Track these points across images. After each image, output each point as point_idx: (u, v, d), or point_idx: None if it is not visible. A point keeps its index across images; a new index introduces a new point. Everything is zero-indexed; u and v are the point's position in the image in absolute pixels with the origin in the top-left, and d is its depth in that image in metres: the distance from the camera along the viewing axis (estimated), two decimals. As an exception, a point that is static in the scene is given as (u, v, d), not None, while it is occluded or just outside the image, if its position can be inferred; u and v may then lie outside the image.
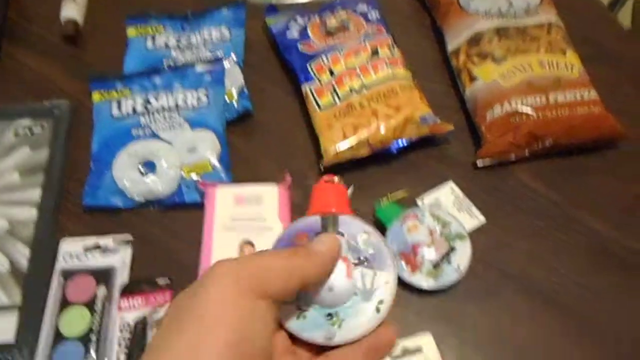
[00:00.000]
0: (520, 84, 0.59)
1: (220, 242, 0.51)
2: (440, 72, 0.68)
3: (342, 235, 0.35)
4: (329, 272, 0.32)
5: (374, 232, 0.35)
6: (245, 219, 0.52)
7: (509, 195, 0.59)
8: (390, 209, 0.55)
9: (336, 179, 0.41)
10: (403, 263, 0.52)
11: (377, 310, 0.32)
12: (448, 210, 0.57)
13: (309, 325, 0.32)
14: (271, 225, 0.52)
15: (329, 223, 0.35)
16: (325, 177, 0.41)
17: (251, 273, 0.29)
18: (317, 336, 0.32)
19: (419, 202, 0.57)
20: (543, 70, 0.60)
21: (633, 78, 0.67)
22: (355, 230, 0.35)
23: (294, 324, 0.32)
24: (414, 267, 0.52)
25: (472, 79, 0.62)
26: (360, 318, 0.32)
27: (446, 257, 0.53)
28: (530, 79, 0.59)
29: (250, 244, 0.51)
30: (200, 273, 0.51)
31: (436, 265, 0.52)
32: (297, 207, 0.57)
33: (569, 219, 0.57)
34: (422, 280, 0.52)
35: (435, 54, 0.70)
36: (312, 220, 0.35)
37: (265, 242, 0.51)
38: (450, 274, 0.52)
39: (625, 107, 0.64)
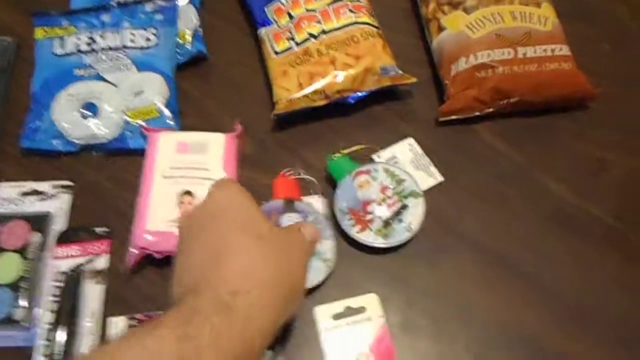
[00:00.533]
0: (488, 35, 0.55)
1: (159, 191, 0.49)
2: (409, 23, 0.65)
3: (299, 213, 0.49)
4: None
5: (318, 212, 0.50)
6: (187, 167, 0.49)
7: (470, 154, 0.56)
8: (343, 163, 0.53)
9: (291, 173, 0.53)
10: (352, 220, 0.50)
11: (327, 266, 0.48)
12: (405, 167, 0.54)
13: None
14: (214, 175, 0.49)
15: (288, 206, 0.49)
16: (283, 172, 0.53)
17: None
18: None
19: (375, 158, 0.55)
20: (514, 22, 0.56)
21: (611, 37, 0.64)
22: (305, 211, 0.49)
23: None
24: (364, 224, 0.50)
25: (440, 29, 0.58)
26: (317, 271, 0.48)
27: (397, 215, 0.50)
28: (499, 30, 0.56)
29: (190, 193, 0.48)
30: (137, 221, 0.49)
31: (386, 224, 0.50)
32: (248, 158, 0.55)
33: (530, 181, 0.55)
34: (371, 238, 0.49)
35: (405, 3, 0.66)
36: (277, 203, 0.50)
37: (206, 192, 0.48)
38: (401, 232, 0.50)
39: (600, 67, 0.60)
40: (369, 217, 0.50)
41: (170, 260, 0.48)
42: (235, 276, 0.34)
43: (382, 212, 0.50)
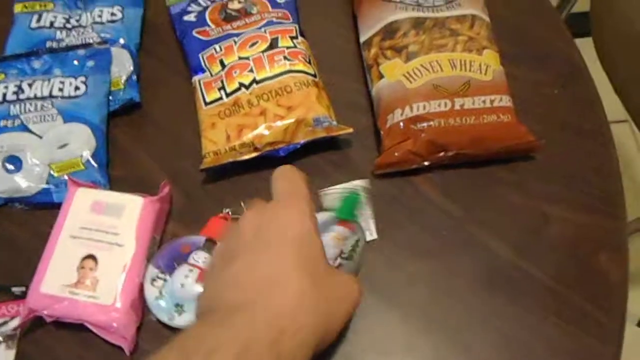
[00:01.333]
0: (424, 85, 0.53)
1: (63, 251, 0.46)
2: (355, 67, 0.62)
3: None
4: None
5: None
6: (97, 229, 0.47)
7: (407, 208, 0.54)
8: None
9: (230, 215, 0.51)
10: None
11: None
12: (338, 222, 0.52)
13: None
14: (123, 242, 0.46)
15: (209, 244, 0.49)
16: (222, 215, 0.52)
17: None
18: None
19: (307, 213, 0.53)
20: (452, 71, 0.54)
21: (562, 81, 0.61)
22: None
23: None
24: None
25: (380, 76, 0.56)
26: None
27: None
28: (437, 80, 0.53)
29: (93, 258, 0.46)
30: (34, 280, 0.47)
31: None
32: (178, 214, 0.53)
33: (468, 237, 0.52)
34: None
35: (352, 46, 0.64)
36: (199, 238, 0.49)
37: (112, 259, 0.46)
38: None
39: (549, 113, 0.58)
40: None
41: (80, 325, 0.46)
42: (285, 312, 0.34)
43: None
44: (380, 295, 0.50)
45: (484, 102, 0.53)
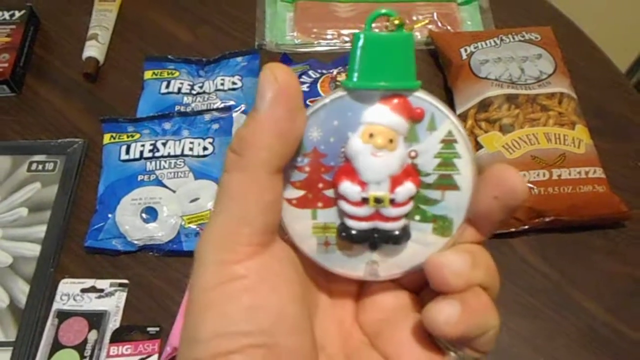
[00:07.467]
0: (523, 156, 0.58)
1: None
2: (448, 133, 0.68)
3: None
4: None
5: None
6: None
7: (505, 268, 0.58)
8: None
9: None
10: (301, 174, 0.25)
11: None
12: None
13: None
14: None
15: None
16: None
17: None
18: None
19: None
20: (548, 144, 0.59)
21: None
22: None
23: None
24: (318, 198, 0.25)
25: (478, 146, 0.62)
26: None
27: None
28: (534, 152, 0.59)
29: None
30: (177, 319, 0.52)
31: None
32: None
33: (564, 298, 0.56)
34: (313, 245, 0.26)
35: (445, 115, 0.70)
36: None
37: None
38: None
39: (635, 185, 0.63)
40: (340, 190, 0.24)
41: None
42: None
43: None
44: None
45: (579, 173, 0.58)
